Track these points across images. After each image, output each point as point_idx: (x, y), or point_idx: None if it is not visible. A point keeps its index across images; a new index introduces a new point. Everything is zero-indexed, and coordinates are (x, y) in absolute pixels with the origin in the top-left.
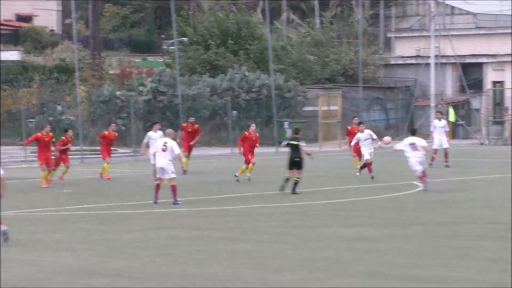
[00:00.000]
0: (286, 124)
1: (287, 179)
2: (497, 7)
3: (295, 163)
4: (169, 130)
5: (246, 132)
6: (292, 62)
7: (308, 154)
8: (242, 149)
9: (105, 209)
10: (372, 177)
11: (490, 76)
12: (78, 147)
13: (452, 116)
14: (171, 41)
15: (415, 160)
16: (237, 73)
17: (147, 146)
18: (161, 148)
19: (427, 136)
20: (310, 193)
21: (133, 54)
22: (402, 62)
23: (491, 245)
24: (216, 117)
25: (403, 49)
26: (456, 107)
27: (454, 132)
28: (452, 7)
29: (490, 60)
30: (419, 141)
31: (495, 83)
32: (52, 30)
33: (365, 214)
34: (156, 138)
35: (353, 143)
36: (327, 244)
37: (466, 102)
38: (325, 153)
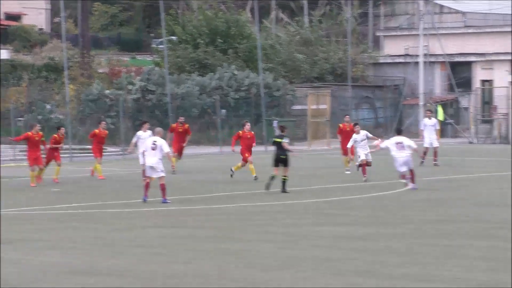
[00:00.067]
0: (275, 123)
1: (273, 177)
2: (486, 6)
3: (281, 160)
4: (158, 129)
5: (240, 131)
6: (281, 61)
7: (289, 150)
8: (234, 147)
9: (94, 207)
10: (365, 180)
11: (478, 74)
12: (67, 146)
13: (440, 115)
14: (160, 39)
15: (401, 159)
16: (226, 72)
17: (136, 145)
18: (151, 146)
19: (416, 135)
20: (299, 192)
21: (122, 52)
22: (391, 61)
23: (480, 244)
24: (205, 116)
25: (392, 48)
26: (445, 105)
27: (443, 130)
28: (441, 6)
29: (478, 58)
30: (406, 140)
31: (483, 81)
32: (41, 29)
33: (353, 213)
34: (146, 138)
35: (349, 145)
36: (316, 243)
37: (455, 101)
38: (314, 151)
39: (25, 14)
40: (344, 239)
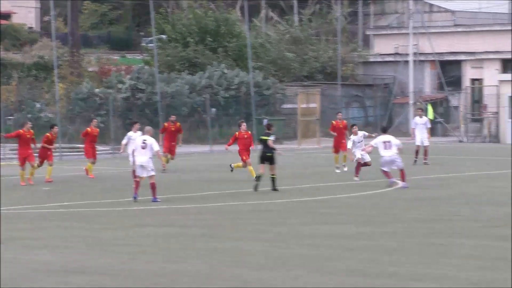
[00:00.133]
0: (265, 122)
1: (259, 177)
2: (476, 5)
3: (267, 158)
4: (148, 128)
5: (237, 132)
6: (270, 60)
7: (273, 149)
8: (229, 147)
9: (84, 206)
10: (356, 180)
11: (468, 73)
12: (56, 145)
13: (430, 114)
14: (150, 38)
15: (388, 158)
16: (216, 71)
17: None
18: (141, 145)
19: (406, 133)
20: (289, 191)
21: (111, 51)
22: (380, 60)
23: (470, 243)
24: (195, 115)
25: (382, 47)
26: (434, 104)
27: (432, 129)
28: (431, 5)
29: (468, 57)
30: (393, 140)
31: (473, 80)
32: (30, 28)
33: (344, 212)
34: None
35: (349, 146)
36: (306, 241)
37: (444, 100)
38: (304, 150)
39: (15, 13)
40: (334, 238)
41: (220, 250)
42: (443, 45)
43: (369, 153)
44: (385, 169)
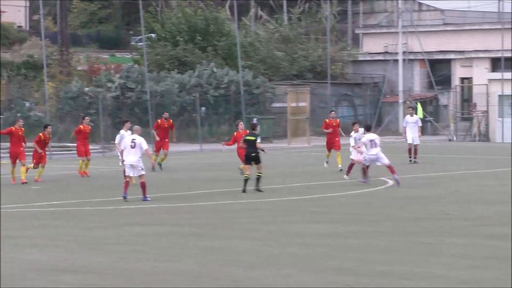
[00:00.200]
0: (255, 121)
1: (246, 180)
2: (465, 4)
3: (252, 158)
4: (136, 127)
5: (235, 133)
6: (260, 59)
7: (262, 150)
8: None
9: (74, 205)
10: (344, 178)
11: (458, 72)
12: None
13: (420, 113)
14: (139, 37)
15: (373, 156)
16: (205, 70)
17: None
18: (130, 145)
19: (395, 132)
20: (279, 190)
21: (101, 50)
22: (370, 59)
23: (460, 241)
24: (185, 114)
25: (371, 46)
26: (424, 103)
27: (422, 128)
28: (420, 4)
29: (458, 56)
30: (377, 138)
31: (463, 79)
32: (19, 26)
33: (334, 210)
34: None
35: (352, 143)
36: (297, 240)
37: (434, 98)
38: (294, 149)
39: (4, 12)
40: (325, 236)
41: (211, 249)
42: (433, 44)
43: (361, 152)
44: (367, 164)
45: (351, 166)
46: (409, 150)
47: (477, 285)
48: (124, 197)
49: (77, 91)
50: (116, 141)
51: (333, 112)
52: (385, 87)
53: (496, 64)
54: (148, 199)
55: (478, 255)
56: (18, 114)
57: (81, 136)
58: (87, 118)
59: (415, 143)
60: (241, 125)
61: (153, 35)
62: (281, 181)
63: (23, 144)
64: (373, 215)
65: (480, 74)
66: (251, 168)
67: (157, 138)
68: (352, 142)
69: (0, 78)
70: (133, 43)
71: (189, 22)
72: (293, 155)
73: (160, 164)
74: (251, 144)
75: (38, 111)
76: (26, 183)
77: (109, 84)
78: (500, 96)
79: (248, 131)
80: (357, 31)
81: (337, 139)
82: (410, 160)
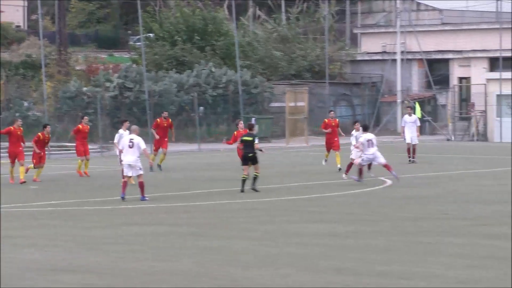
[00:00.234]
0: (253, 120)
1: (244, 180)
2: (463, 3)
3: (249, 159)
4: (134, 127)
5: (235, 132)
6: (258, 58)
7: (260, 150)
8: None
9: (72, 205)
10: (343, 177)
11: (456, 72)
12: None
13: (418, 112)
14: (138, 37)
15: (370, 156)
16: (203, 69)
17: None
18: (128, 144)
19: (394, 132)
20: (277, 189)
21: (99, 50)
22: (368, 58)
23: (459, 241)
24: (183, 113)
25: (369, 45)
26: (422, 103)
27: (420, 128)
28: (418, 3)
29: (456, 56)
30: (374, 138)
31: (461, 79)
32: (18, 26)
33: (332, 210)
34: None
35: (353, 142)
36: (295, 240)
37: (432, 98)
38: (292, 149)
39: (2, 11)
40: (323, 236)
41: (209, 248)
42: (431, 44)
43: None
44: (364, 164)
45: (350, 165)
46: (408, 150)
47: (475, 285)
48: (123, 198)
49: (75, 91)
50: (115, 140)
51: (332, 112)
52: (383, 87)
53: (494, 63)
54: (147, 198)
55: (477, 254)
56: (17, 114)
57: (80, 136)
58: (86, 117)
59: (414, 143)
60: (241, 124)
61: (151, 34)
62: (279, 181)
63: (22, 144)
64: (371, 215)
65: (478, 73)
66: (248, 168)
67: (157, 137)
68: (353, 141)
69: None
70: (131, 42)
71: (187, 21)
72: (291, 154)
73: (159, 166)
74: (249, 145)
75: (37, 111)
76: (25, 182)
77: (107, 84)
78: (498, 95)
79: (243, 130)
80: (355, 31)
81: (336, 139)
82: (410, 160)
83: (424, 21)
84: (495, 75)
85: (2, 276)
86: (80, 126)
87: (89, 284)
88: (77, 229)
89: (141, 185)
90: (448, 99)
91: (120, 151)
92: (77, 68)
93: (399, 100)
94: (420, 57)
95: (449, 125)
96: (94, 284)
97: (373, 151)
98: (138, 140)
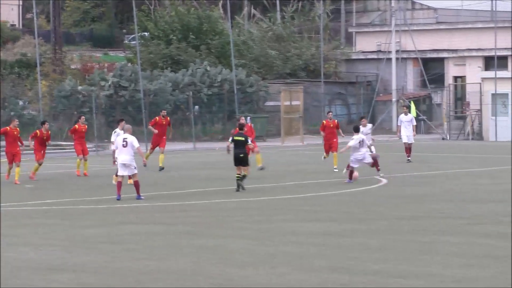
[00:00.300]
0: (248, 119)
1: (238, 178)
2: (458, 2)
3: (240, 159)
4: (127, 126)
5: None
6: (253, 57)
7: (252, 150)
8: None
9: (67, 204)
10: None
11: (451, 71)
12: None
13: (413, 111)
14: (133, 35)
15: (360, 156)
16: (198, 68)
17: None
18: (122, 144)
19: (389, 130)
20: (273, 188)
21: (94, 48)
22: (363, 57)
23: (454, 240)
24: (178, 112)
25: (364, 44)
26: (417, 102)
27: (416, 127)
28: (413, 2)
29: (451, 55)
30: (365, 139)
31: (456, 78)
32: (13, 25)
33: (327, 209)
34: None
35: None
36: (290, 239)
37: (427, 97)
38: (287, 148)
39: None
40: (318, 235)
41: (204, 247)
42: (426, 43)
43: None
44: (354, 165)
45: (376, 162)
46: (406, 149)
47: (471, 284)
48: (118, 199)
49: (71, 90)
50: (113, 139)
51: (330, 113)
52: (379, 86)
53: (489, 62)
54: (142, 197)
55: (473, 253)
56: (12, 113)
57: (77, 136)
58: (82, 117)
59: (410, 142)
60: (243, 120)
61: (146, 33)
62: (275, 180)
63: (19, 144)
64: (367, 213)
65: (473, 72)
66: (241, 168)
67: (155, 131)
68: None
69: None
70: (126, 41)
71: (182, 20)
72: (286, 153)
73: (161, 167)
74: (240, 145)
75: (32, 110)
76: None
77: (103, 83)
78: (493, 94)
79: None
80: (350, 30)
81: (335, 140)
82: (408, 160)
83: (419, 20)
84: (490, 74)
85: None
86: (76, 126)
87: (85, 283)
88: (73, 228)
89: (136, 184)
90: (443, 98)
91: (114, 151)
92: (72, 67)
93: (394, 99)
94: (415, 56)
95: (444, 124)
96: (89, 283)
97: (364, 151)
98: (132, 139)
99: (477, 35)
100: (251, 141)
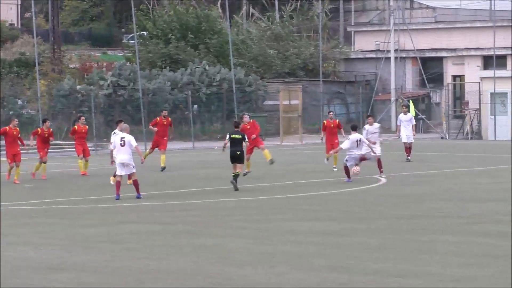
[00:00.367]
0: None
1: (235, 176)
2: (457, 2)
3: (237, 157)
4: (125, 125)
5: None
6: (252, 56)
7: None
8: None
9: (67, 203)
10: (380, 175)
11: (450, 70)
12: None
13: (412, 110)
14: (131, 35)
15: (357, 155)
16: (197, 67)
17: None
18: (119, 143)
19: (388, 130)
20: (272, 188)
21: (93, 48)
22: (362, 56)
23: (453, 239)
24: (177, 111)
25: (363, 43)
26: (416, 101)
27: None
28: (412, 1)
29: (450, 54)
30: (363, 138)
31: (455, 77)
32: (11, 24)
33: (327, 208)
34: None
35: (365, 136)
36: (289, 238)
37: (426, 96)
38: (286, 147)
39: None
40: (317, 234)
41: (204, 247)
42: (424, 42)
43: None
44: (348, 164)
45: (379, 162)
46: (406, 149)
47: (471, 283)
48: (117, 199)
49: (69, 89)
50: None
51: (331, 113)
52: (377, 85)
53: (488, 62)
54: (142, 197)
55: (472, 252)
56: (11, 112)
57: (77, 136)
58: (82, 117)
59: (409, 141)
60: (246, 118)
61: (145, 33)
62: (274, 179)
63: (19, 144)
64: (366, 213)
65: (472, 72)
66: (236, 166)
67: (155, 129)
68: (364, 134)
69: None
70: (125, 41)
71: (181, 20)
72: (285, 153)
73: (163, 167)
74: (236, 143)
75: (30, 109)
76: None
77: (101, 82)
78: (492, 94)
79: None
80: (349, 29)
81: (336, 140)
82: (407, 159)
83: (418, 19)
84: (489, 73)
85: None
86: (76, 127)
87: (84, 282)
88: (72, 228)
89: (135, 183)
90: (442, 97)
91: (111, 151)
92: (71, 66)
93: (393, 98)
94: (414, 55)
95: (443, 123)
96: (89, 283)
97: (359, 151)
98: (129, 138)
99: (476, 34)
100: (256, 137)
